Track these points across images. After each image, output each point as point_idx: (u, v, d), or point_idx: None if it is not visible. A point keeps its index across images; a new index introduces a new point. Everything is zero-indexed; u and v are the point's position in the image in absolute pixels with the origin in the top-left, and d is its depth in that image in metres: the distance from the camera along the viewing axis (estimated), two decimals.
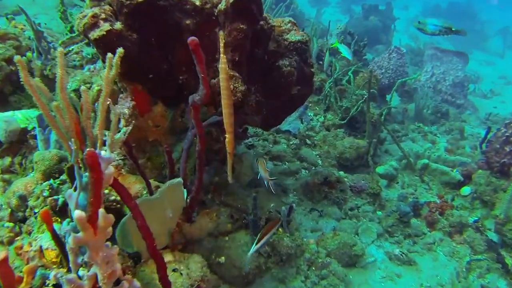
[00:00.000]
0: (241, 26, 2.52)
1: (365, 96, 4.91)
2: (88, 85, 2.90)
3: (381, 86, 6.63)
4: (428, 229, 3.98)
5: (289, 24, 3.13)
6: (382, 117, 5.26)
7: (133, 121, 2.87)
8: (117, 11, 2.45)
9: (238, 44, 2.58)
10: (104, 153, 1.59)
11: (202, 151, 2.33)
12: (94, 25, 2.27)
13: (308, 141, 4.90)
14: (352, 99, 5.25)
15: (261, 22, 2.74)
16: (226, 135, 2.00)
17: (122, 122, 2.85)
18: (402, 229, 3.83)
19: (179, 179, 2.26)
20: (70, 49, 3.32)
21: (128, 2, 2.36)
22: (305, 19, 11.55)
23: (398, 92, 7.69)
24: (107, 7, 2.40)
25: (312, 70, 3.24)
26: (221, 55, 1.88)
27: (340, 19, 14.43)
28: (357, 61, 6.54)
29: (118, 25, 2.33)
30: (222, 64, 1.86)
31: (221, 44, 1.91)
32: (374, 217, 4.00)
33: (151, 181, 2.75)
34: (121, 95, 2.89)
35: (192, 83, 2.85)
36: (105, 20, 2.29)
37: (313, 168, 4.59)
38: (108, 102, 1.85)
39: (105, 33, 2.26)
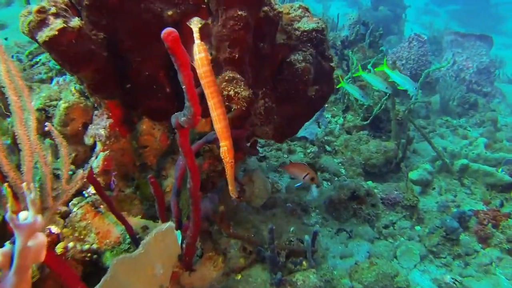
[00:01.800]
0: (239, 13, 1.93)
1: (389, 93, 4.27)
2: (55, 102, 2.33)
3: None
4: (480, 245, 3.32)
5: (300, 10, 2.52)
6: (409, 113, 4.61)
7: (112, 144, 2.29)
8: (75, 4, 1.87)
9: (237, 37, 1.98)
10: (24, 217, 1.00)
11: (195, 189, 1.74)
12: (41, 23, 1.69)
13: (327, 148, 4.28)
14: (373, 96, 4.62)
15: (265, 8, 2.15)
16: (221, 144, 1.60)
17: (99, 146, 2.27)
18: (450, 248, 3.19)
19: (169, 224, 1.67)
20: (38, 60, 2.76)
21: None
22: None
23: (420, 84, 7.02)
24: None
25: (331, 64, 2.63)
26: (196, 41, 1.45)
27: (348, 13, 13.76)
28: (373, 53, 5.90)
29: (75, 22, 1.75)
30: (199, 52, 1.31)
31: (195, 29, 1.35)
32: (414, 234, 3.36)
33: (136, 219, 2.17)
34: (95, 112, 2.32)
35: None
36: (56, 15, 1.70)
37: (336, 179, 3.97)
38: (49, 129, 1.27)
39: (56, 33, 1.68)
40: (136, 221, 2.11)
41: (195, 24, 1.48)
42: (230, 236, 2.65)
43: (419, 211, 3.55)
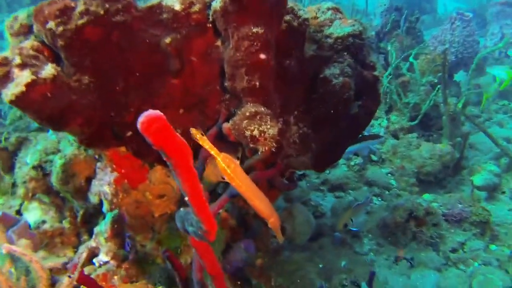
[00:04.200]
0: (255, 30, 1.51)
1: (438, 86, 3.72)
2: (52, 156, 1.99)
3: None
4: None
5: (330, 12, 2.07)
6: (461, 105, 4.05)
7: (121, 200, 1.93)
8: (50, 45, 1.50)
9: (255, 62, 1.56)
10: None
11: None
12: (4, 79, 1.32)
13: (373, 157, 3.78)
14: (419, 92, 4.07)
15: (287, 17, 1.71)
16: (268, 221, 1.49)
17: (106, 205, 1.91)
18: None
19: None
20: None
21: (62, 28, 1.40)
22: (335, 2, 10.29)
23: (464, 67, 6.34)
24: (30, 42, 1.46)
25: (375, 74, 2.16)
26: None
27: None
28: (411, 41, 5.32)
29: (48, 71, 1.37)
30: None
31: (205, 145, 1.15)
32: (490, 257, 2.83)
33: None
34: (98, 165, 1.96)
35: (190, 140, 1.86)
36: (22, 66, 1.33)
37: (387, 192, 3.48)
38: None
39: (24, 88, 1.31)
40: None
41: (201, 139, 1.23)
42: None
43: (492, 226, 3.01)
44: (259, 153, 1.62)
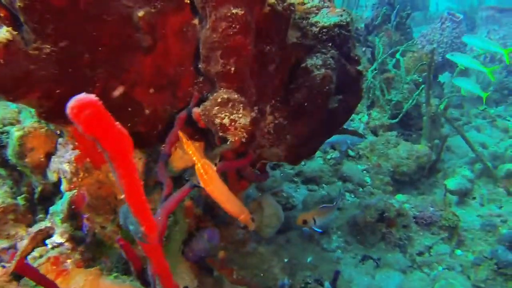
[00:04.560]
0: (234, 11, 1.41)
1: (422, 86, 3.68)
2: (9, 127, 1.86)
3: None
4: None
5: None
6: (442, 107, 4.03)
7: (82, 180, 1.82)
8: (7, 5, 1.36)
9: (233, 45, 1.46)
10: None
11: None
12: None
13: (350, 152, 3.74)
14: (403, 89, 4.03)
15: (271, 0, 1.61)
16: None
17: (64, 184, 1.80)
18: (503, 284, 2.66)
19: None
20: None
21: None
22: None
23: (450, 68, 6.33)
24: None
25: (358, 69, 2.09)
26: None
27: None
28: (400, 36, 5.26)
29: (2, 34, 1.25)
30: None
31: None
32: (454, 263, 2.84)
33: (110, 282, 1.70)
34: (59, 140, 1.84)
35: (166, 113, 1.77)
36: None
37: (361, 189, 3.45)
38: None
39: None
40: (109, 285, 1.64)
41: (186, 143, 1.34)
42: (234, 283, 2.18)
43: (460, 231, 3.01)
44: (228, 143, 1.53)
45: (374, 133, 4.00)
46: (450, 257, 2.88)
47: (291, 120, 1.99)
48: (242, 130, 1.50)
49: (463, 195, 3.55)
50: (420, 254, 2.87)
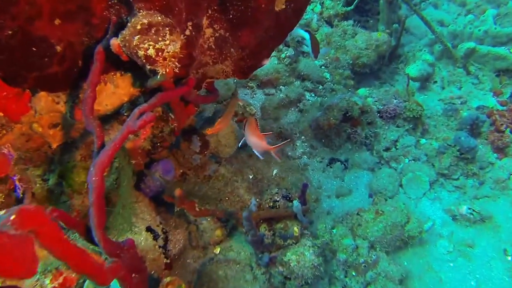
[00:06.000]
0: None
1: None
2: None
3: None
4: (496, 155, 2.80)
5: None
6: None
7: (2, 137, 1.53)
8: None
9: None
10: None
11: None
12: None
13: (305, 48, 3.46)
14: None
15: None
16: None
17: None
18: (464, 167, 2.67)
19: None
20: None
21: None
22: None
23: None
24: None
25: None
26: None
27: None
28: None
29: None
30: None
31: None
32: (420, 153, 2.81)
33: None
34: None
35: (84, 45, 1.43)
36: None
37: (321, 87, 3.26)
38: None
39: None
40: None
41: None
42: (197, 216, 2.05)
43: (423, 120, 2.94)
44: (159, 76, 1.26)
45: (329, 23, 3.70)
46: (416, 148, 2.84)
47: (234, 31, 1.70)
48: (173, 59, 1.22)
49: (425, 80, 3.44)
50: (387, 149, 2.81)
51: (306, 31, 2.58)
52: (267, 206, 2.15)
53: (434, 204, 2.58)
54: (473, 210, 2.42)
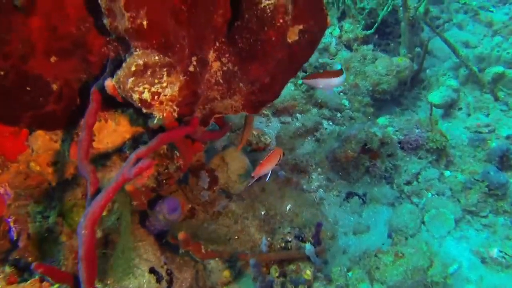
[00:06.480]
0: None
1: None
2: None
3: None
4: None
5: None
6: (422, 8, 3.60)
7: None
8: None
9: None
10: None
11: None
12: None
13: None
14: None
15: None
16: None
17: None
18: (493, 203, 2.49)
19: None
20: None
21: None
22: None
23: None
24: None
25: None
26: None
27: None
28: None
29: None
30: None
31: None
32: (444, 187, 2.64)
33: None
34: None
35: (82, 83, 1.37)
36: None
37: (339, 115, 3.13)
38: None
39: None
40: None
41: None
42: (204, 259, 1.94)
43: (448, 151, 2.78)
44: (155, 121, 1.17)
45: (348, 47, 3.60)
46: (439, 182, 2.67)
47: (243, 64, 1.61)
48: (170, 103, 1.13)
49: (449, 107, 3.28)
50: (408, 183, 2.66)
51: None
52: (279, 246, 2.03)
53: (460, 243, 2.40)
54: (505, 254, 2.23)
